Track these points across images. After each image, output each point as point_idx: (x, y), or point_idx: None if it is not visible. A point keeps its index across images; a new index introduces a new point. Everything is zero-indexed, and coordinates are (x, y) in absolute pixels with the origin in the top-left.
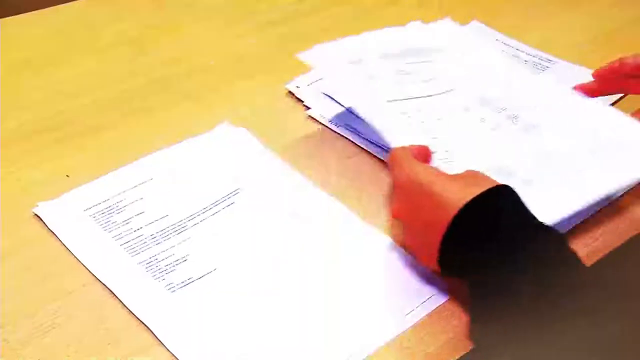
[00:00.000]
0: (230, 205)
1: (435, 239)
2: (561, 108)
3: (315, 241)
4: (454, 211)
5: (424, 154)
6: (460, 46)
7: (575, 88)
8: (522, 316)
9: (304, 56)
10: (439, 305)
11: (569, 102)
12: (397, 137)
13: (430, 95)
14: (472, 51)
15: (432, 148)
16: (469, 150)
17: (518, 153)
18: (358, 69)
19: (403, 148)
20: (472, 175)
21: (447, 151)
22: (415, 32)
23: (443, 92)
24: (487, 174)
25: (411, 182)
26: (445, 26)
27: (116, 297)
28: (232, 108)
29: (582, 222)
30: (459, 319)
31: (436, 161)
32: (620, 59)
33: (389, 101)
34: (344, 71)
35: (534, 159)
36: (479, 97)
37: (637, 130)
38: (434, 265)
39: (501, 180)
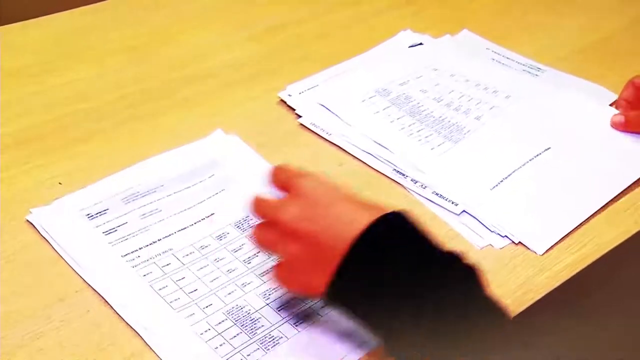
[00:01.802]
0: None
1: (335, 254)
2: None
3: None
4: (360, 227)
5: None
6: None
7: (612, 125)
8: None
9: (33, 218)
10: None
11: None
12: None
13: (184, 229)
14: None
15: None
16: None
17: None
18: (96, 223)
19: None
20: (373, 204)
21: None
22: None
23: (199, 221)
24: None
25: (318, 189)
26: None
27: (108, 303)
28: (225, 115)
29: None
30: None
31: None
32: (633, 80)
33: (123, 255)
34: (78, 228)
35: None
36: (235, 222)
37: None
38: (319, 286)
39: None
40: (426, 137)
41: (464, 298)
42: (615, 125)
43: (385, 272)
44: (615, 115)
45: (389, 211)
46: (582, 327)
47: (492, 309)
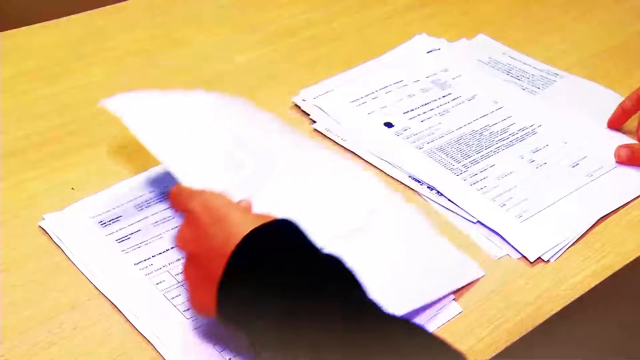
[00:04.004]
0: None
1: (218, 269)
2: None
3: None
4: (238, 238)
5: None
6: None
7: (608, 126)
8: None
9: (45, 224)
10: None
11: None
12: None
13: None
14: None
15: None
16: None
17: None
18: (108, 230)
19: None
20: (264, 214)
21: None
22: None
23: None
24: None
25: (204, 207)
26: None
27: (120, 311)
28: None
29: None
30: (471, 333)
31: None
32: (622, 104)
33: (135, 264)
34: (91, 235)
35: None
36: None
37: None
38: (210, 305)
39: None
40: None
41: (342, 301)
42: (621, 160)
43: (264, 282)
44: (621, 148)
45: (269, 220)
46: (599, 336)
47: (368, 309)
